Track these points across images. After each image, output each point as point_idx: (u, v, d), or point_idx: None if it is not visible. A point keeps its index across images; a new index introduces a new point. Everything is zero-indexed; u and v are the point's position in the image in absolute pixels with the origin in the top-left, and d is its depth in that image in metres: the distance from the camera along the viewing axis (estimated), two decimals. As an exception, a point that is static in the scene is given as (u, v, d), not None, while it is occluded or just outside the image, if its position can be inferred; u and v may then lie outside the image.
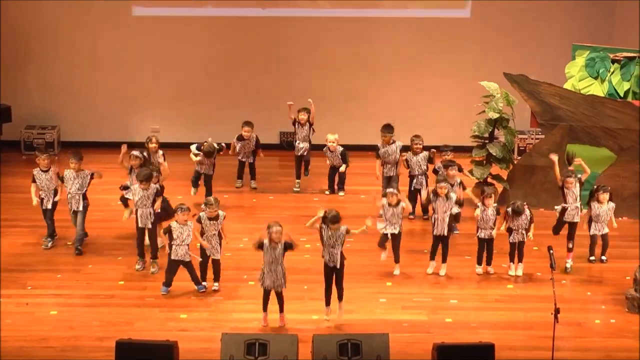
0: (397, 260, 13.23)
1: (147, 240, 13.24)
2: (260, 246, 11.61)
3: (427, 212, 14.89)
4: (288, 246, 11.62)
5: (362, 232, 12.08)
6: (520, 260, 13.22)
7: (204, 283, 12.60)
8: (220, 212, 12.54)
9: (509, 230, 13.13)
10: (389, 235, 13.14)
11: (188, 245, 12.37)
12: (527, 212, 13.00)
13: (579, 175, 13.48)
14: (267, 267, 11.62)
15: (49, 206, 13.77)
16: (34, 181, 13.73)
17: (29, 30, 18.04)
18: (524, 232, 13.07)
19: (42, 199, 13.75)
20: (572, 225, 13.40)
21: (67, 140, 18.24)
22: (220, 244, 12.55)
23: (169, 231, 12.37)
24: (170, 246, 12.36)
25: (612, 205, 13.39)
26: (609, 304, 12.42)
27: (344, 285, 11.81)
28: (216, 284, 12.64)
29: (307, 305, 12.08)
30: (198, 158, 15.15)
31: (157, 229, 13.18)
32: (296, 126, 16.13)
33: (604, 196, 13.29)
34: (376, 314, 12.11)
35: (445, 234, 13.13)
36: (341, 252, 11.69)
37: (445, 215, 13.10)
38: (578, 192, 13.35)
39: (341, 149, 15.90)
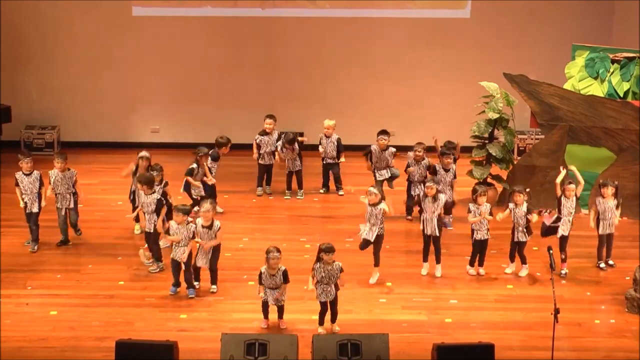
0: (376, 264, 12.94)
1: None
2: (260, 279, 11.56)
3: (410, 213, 14.91)
4: (285, 275, 11.54)
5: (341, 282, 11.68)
6: (523, 262, 13.18)
7: (196, 284, 12.57)
8: (216, 222, 12.41)
9: (513, 231, 13.13)
10: (370, 239, 12.81)
11: (186, 246, 12.33)
12: (525, 206, 12.98)
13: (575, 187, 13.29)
14: (269, 291, 11.56)
15: (34, 210, 13.67)
16: (17, 185, 13.68)
17: (29, 30, 18.04)
18: (524, 230, 13.06)
19: (25, 203, 13.67)
20: (563, 239, 13.26)
21: (67, 140, 18.25)
22: (213, 253, 12.41)
23: (167, 230, 12.37)
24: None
25: (616, 202, 13.30)
26: (609, 304, 12.42)
27: (339, 296, 11.65)
28: (214, 286, 12.57)
29: (307, 305, 12.05)
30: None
31: (158, 234, 13.11)
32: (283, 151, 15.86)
33: (606, 190, 13.23)
34: (376, 314, 12.10)
35: (437, 234, 13.05)
36: (335, 284, 11.57)
37: (433, 215, 13.02)
38: (573, 206, 13.24)
39: (337, 136, 15.84)
